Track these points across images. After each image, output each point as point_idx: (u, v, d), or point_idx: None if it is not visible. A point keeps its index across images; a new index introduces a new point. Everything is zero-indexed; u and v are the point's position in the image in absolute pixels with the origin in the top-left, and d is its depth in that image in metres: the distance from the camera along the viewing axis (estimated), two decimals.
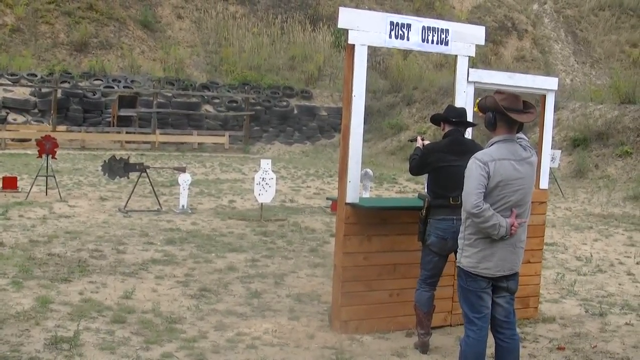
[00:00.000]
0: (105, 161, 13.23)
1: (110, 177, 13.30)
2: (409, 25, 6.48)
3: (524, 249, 4.99)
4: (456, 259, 5.03)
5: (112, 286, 7.63)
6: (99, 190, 15.08)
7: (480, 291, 4.86)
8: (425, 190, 6.20)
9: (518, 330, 5.85)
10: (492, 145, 4.86)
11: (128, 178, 14.13)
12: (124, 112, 27.94)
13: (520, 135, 5.05)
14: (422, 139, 6.39)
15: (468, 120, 6.22)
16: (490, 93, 5.06)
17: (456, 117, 6.07)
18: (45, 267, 8.23)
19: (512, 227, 4.73)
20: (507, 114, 4.76)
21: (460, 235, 4.95)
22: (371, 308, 6.50)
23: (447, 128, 6.10)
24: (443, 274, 6.10)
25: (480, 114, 5.33)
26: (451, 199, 5.81)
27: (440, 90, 29.16)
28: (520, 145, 4.90)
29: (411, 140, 6.65)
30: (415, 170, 6.16)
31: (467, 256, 4.86)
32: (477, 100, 5.41)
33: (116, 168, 13.02)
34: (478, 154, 4.82)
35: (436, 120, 6.28)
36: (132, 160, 13.68)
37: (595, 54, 40.80)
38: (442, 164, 5.90)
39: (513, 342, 5.02)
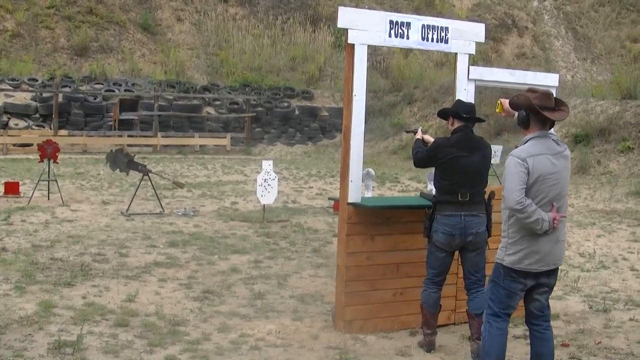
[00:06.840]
0: (111, 150, 13.23)
1: (111, 167, 13.30)
2: (408, 24, 6.48)
3: (565, 243, 5.04)
4: (497, 256, 5.00)
5: (115, 290, 7.62)
6: (101, 194, 15.08)
7: (513, 292, 4.93)
8: (428, 188, 6.16)
9: (522, 327, 5.83)
10: (526, 142, 4.90)
11: (127, 174, 14.13)
12: (125, 116, 27.96)
13: (551, 131, 5.08)
14: (423, 131, 6.37)
15: (477, 116, 6.18)
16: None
17: (466, 113, 5.99)
18: (48, 272, 8.23)
19: (554, 221, 4.77)
20: (541, 112, 4.81)
21: (503, 234, 4.96)
22: (375, 308, 6.49)
23: (457, 124, 6.00)
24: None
25: (503, 114, 5.37)
26: (460, 195, 5.75)
27: (441, 88, 29.12)
28: (553, 139, 4.95)
29: (408, 131, 6.62)
30: (422, 164, 6.13)
31: (511, 254, 4.88)
32: (499, 101, 5.41)
33: (120, 161, 13.02)
34: (515, 152, 4.86)
35: (445, 114, 6.19)
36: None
37: (596, 49, 40.76)
38: (451, 156, 5.81)
39: (548, 332, 5.11)
